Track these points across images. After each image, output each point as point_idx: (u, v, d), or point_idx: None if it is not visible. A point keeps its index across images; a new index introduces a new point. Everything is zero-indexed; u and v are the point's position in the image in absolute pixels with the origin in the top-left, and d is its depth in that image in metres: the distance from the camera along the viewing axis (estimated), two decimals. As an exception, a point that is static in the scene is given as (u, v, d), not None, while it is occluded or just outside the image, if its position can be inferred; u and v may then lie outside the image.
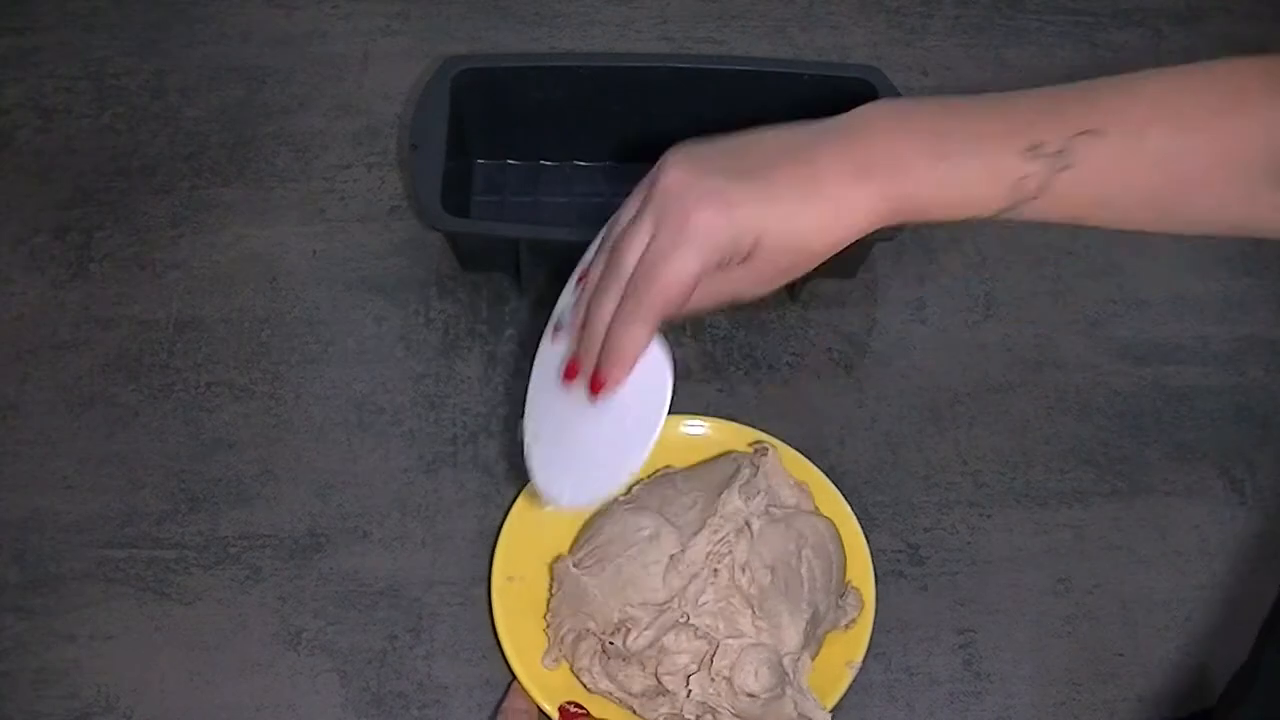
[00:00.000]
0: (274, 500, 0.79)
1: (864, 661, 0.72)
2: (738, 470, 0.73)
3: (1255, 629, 0.76)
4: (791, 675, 0.68)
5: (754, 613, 0.68)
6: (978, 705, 0.74)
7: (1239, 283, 0.91)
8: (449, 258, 0.89)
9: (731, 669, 0.67)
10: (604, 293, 0.59)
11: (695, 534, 0.70)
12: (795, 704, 0.68)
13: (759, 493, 0.72)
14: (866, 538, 0.75)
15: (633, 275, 0.58)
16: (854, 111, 0.59)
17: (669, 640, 0.68)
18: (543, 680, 0.70)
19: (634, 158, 0.92)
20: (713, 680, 0.68)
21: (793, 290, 0.87)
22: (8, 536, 0.78)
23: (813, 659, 0.71)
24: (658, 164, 0.59)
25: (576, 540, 0.74)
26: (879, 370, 0.86)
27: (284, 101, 0.97)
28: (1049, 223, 0.60)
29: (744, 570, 0.69)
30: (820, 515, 0.75)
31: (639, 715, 0.70)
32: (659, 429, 0.58)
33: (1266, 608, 0.77)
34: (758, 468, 0.73)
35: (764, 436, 0.78)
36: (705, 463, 0.77)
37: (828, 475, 0.81)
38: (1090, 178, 0.57)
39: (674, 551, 0.70)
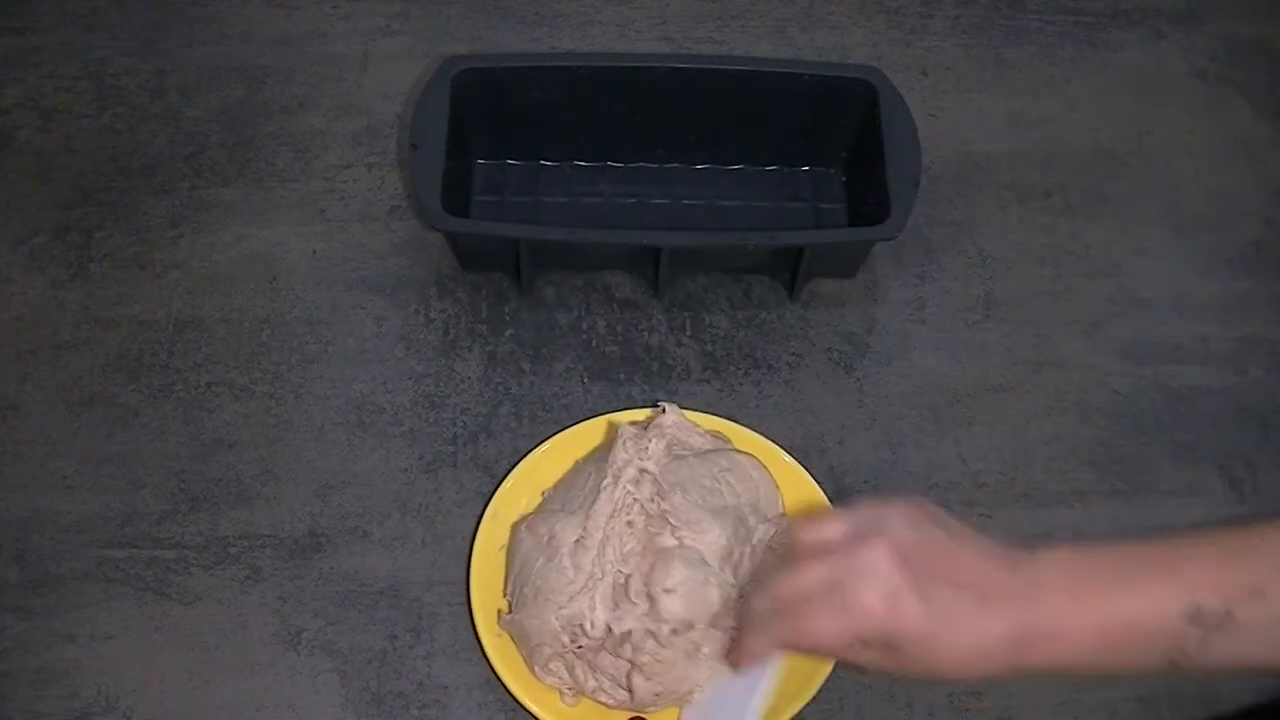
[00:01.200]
0: (274, 500, 0.79)
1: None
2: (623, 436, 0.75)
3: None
4: (716, 568, 0.70)
5: (671, 527, 0.70)
6: (978, 705, 0.74)
7: (1239, 283, 0.91)
8: (449, 258, 0.89)
9: (647, 580, 0.69)
10: (765, 613, 0.61)
11: (592, 501, 0.71)
12: (721, 589, 0.69)
13: (651, 441, 0.73)
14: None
15: (790, 601, 0.60)
16: (1036, 557, 0.59)
17: (620, 603, 0.69)
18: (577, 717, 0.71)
19: (634, 158, 0.93)
20: (634, 603, 0.69)
21: (792, 290, 0.87)
22: (8, 536, 0.78)
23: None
24: (878, 519, 0.60)
25: (505, 585, 0.75)
26: (879, 370, 0.86)
27: (284, 101, 0.97)
28: (1213, 671, 0.58)
29: (653, 500, 0.71)
30: (741, 452, 0.76)
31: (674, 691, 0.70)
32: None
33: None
34: (646, 425, 0.75)
35: (761, 440, 0.78)
36: (607, 441, 0.78)
37: (827, 475, 0.81)
38: (1254, 632, 0.57)
39: (577, 536, 0.71)
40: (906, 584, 0.58)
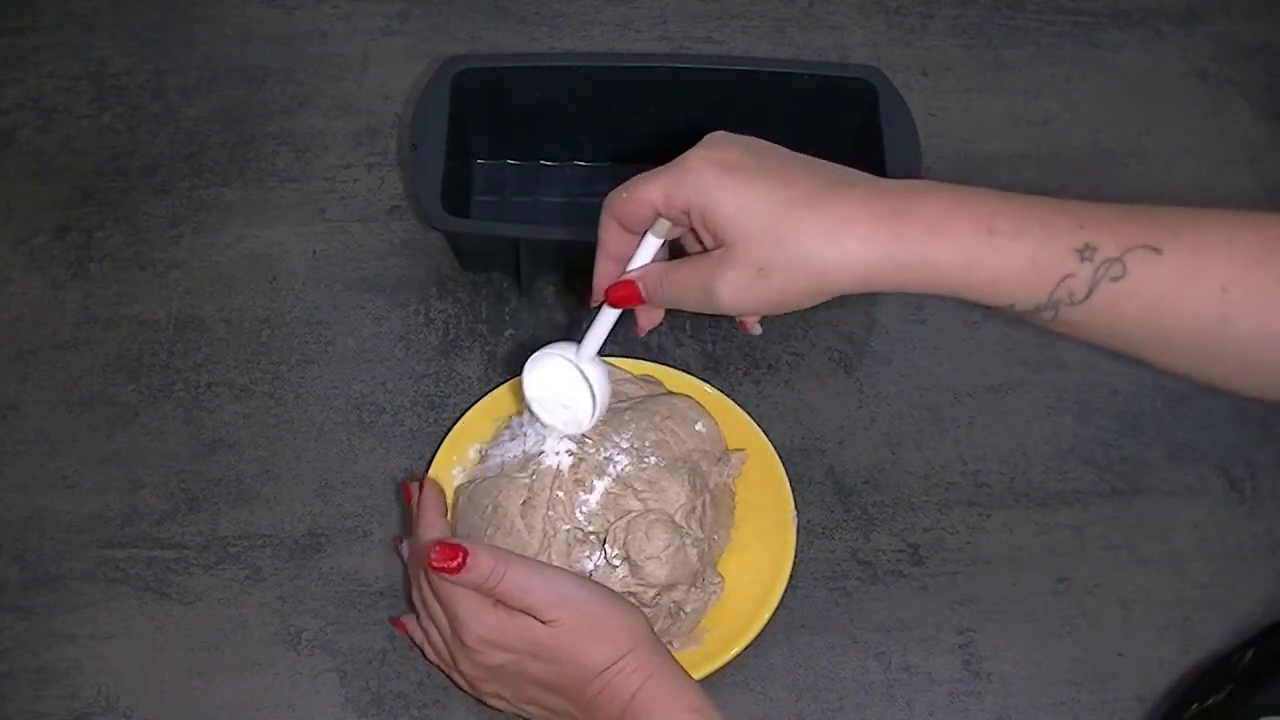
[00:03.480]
0: (274, 500, 0.79)
1: (860, 655, 0.72)
2: None
3: (1255, 629, 0.76)
4: (686, 526, 0.71)
5: (634, 490, 0.71)
6: (977, 705, 0.74)
7: (1239, 283, 0.91)
8: (449, 258, 0.89)
9: (625, 545, 0.69)
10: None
11: (533, 460, 0.72)
12: (698, 553, 0.71)
13: None
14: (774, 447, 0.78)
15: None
16: (912, 180, 0.57)
17: (577, 558, 0.70)
18: None
19: (634, 158, 0.92)
20: (613, 567, 0.70)
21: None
22: (8, 536, 0.78)
23: (725, 529, 0.75)
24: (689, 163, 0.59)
25: None
26: (879, 370, 0.86)
27: (284, 101, 0.97)
28: (1080, 337, 0.57)
29: (607, 461, 0.71)
30: (675, 394, 0.77)
31: None
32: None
33: (1267, 608, 0.77)
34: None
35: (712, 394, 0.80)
36: None
37: (827, 475, 0.81)
38: (1139, 293, 0.54)
39: (523, 499, 0.71)
40: (741, 147, 0.58)
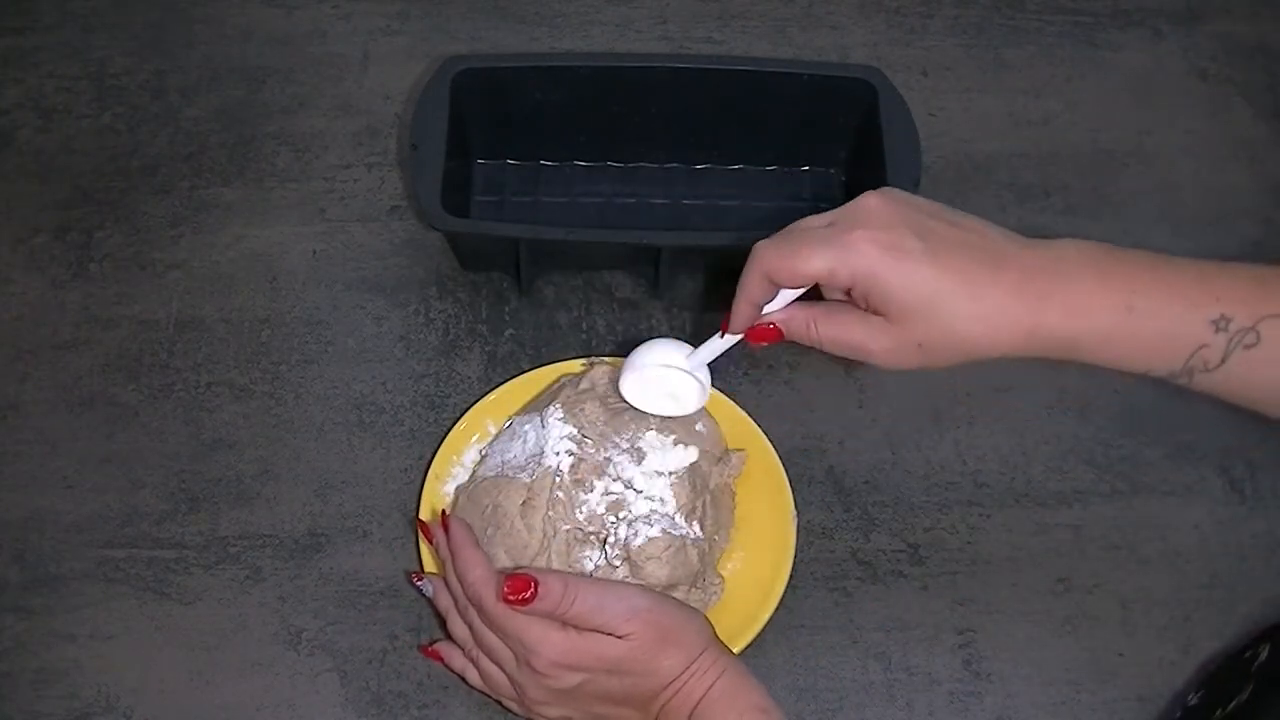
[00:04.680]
0: (274, 500, 0.79)
1: (860, 655, 0.72)
2: (560, 389, 0.76)
3: (1256, 629, 0.76)
4: (686, 527, 0.71)
5: (635, 490, 0.71)
6: (977, 705, 0.74)
7: (1239, 283, 0.91)
8: (449, 258, 0.89)
9: (625, 546, 0.70)
10: (764, 241, 0.62)
11: (533, 461, 0.72)
12: (698, 553, 0.71)
13: (586, 404, 0.74)
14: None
15: (784, 233, 0.62)
16: (1058, 241, 0.59)
17: (577, 558, 0.71)
18: None
19: (634, 158, 0.93)
20: (613, 567, 0.70)
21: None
22: (8, 536, 0.78)
23: (725, 529, 0.75)
24: (871, 191, 0.61)
25: None
26: (879, 370, 0.85)
27: (284, 101, 0.97)
28: (1213, 397, 0.59)
29: (608, 461, 0.72)
30: None
31: None
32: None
33: (1267, 608, 0.77)
34: (579, 379, 0.76)
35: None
36: (537, 396, 0.79)
37: (827, 475, 0.81)
38: (1273, 359, 0.57)
39: (523, 499, 0.71)
40: (906, 225, 0.58)
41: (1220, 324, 0.57)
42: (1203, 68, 1.02)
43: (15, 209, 0.91)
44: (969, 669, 0.75)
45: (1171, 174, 0.96)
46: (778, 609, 0.73)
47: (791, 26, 1.03)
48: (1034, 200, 0.94)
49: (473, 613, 0.68)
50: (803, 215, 0.90)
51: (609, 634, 0.64)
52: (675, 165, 0.93)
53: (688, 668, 0.63)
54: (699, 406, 0.71)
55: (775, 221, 0.91)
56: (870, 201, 0.60)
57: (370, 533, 0.78)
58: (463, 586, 0.68)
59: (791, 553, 0.74)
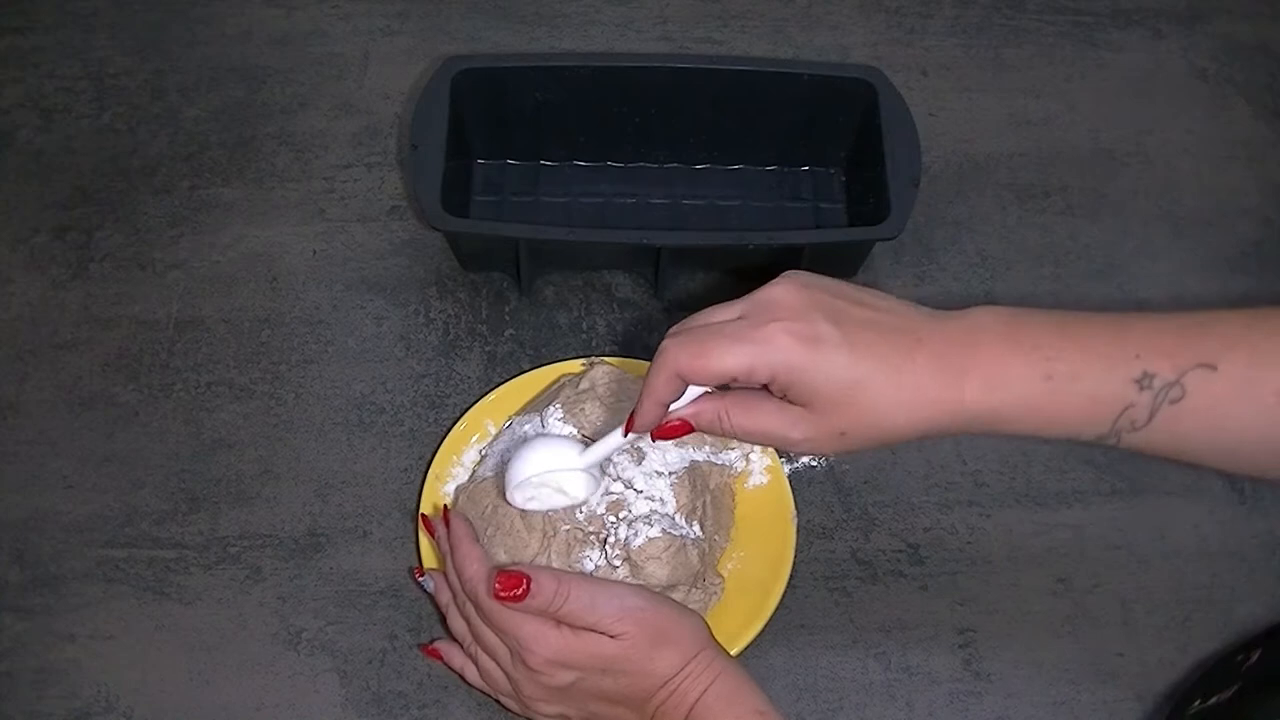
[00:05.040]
0: (274, 500, 0.79)
1: (860, 655, 0.72)
2: (559, 389, 0.76)
3: (1256, 629, 0.76)
4: (687, 527, 0.71)
5: (635, 490, 0.71)
6: (977, 705, 0.74)
7: (1239, 283, 0.91)
8: (449, 258, 0.89)
9: (625, 546, 0.70)
10: (671, 336, 0.60)
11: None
12: (698, 553, 0.71)
13: (586, 405, 0.74)
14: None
15: (693, 329, 0.59)
16: (968, 311, 0.59)
17: (577, 558, 0.71)
18: None
19: (634, 158, 0.93)
20: (613, 567, 0.70)
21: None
22: (8, 536, 0.78)
23: (725, 529, 0.75)
24: (775, 279, 0.60)
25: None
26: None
27: (284, 101, 0.97)
28: (1150, 454, 0.58)
29: (608, 461, 0.72)
30: None
31: None
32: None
33: (1266, 609, 0.77)
34: (579, 379, 0.76)
35: None
36: (537, 396, 0.80)
37: (827, 475, 0.81)
38: (1199, 411, 0.56)
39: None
40: (818, 311, 0.57)
41: (1144, 382, 0.55)
42: (1203, 68, 1.02)
43: (15, 209, 0.91)
44: (969, 669, 0.75)
45: (1171, 174, 0.96)
46: (778, 609, 0.73)
47: (791, 26, 1.03)
48: (1034, 200, 0.94)
49: (470, 608, 0.68)
50: (803, 215, 0.92)
51: (602, 633, 0.64)
52: (675, 165, 0.93)
53: (683, 668, 0.63)
54: (589, 495, 0.70)
55: (775, 221, 0.92)
56: (777, 290, 0.59)
57: (370, 533, 0.78)
58: (460, 582, 0.68)
59: (791, 553, 0.74)
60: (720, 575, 0.74)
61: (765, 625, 0.72)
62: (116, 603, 0.76)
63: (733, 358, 0.57)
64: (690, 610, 0.67)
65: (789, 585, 0.73)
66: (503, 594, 0.64)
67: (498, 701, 0.70)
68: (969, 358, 0.57)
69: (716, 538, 0.74)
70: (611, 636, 0.63)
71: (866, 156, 0.87)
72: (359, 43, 1.00)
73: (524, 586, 0.64)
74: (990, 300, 0.88)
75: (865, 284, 0.88)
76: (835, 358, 0.56)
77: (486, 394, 0.80)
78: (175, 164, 0.94)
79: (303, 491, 0.80)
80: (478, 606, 0.67)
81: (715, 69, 0.89)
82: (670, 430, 0.62)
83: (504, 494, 0.71)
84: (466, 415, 0.79)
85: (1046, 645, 0.76)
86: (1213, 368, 0.55)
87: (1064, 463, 0.82)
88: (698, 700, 0.62)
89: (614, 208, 0.92)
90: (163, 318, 0.86)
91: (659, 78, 0.88)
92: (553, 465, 0.69)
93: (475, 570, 0.67)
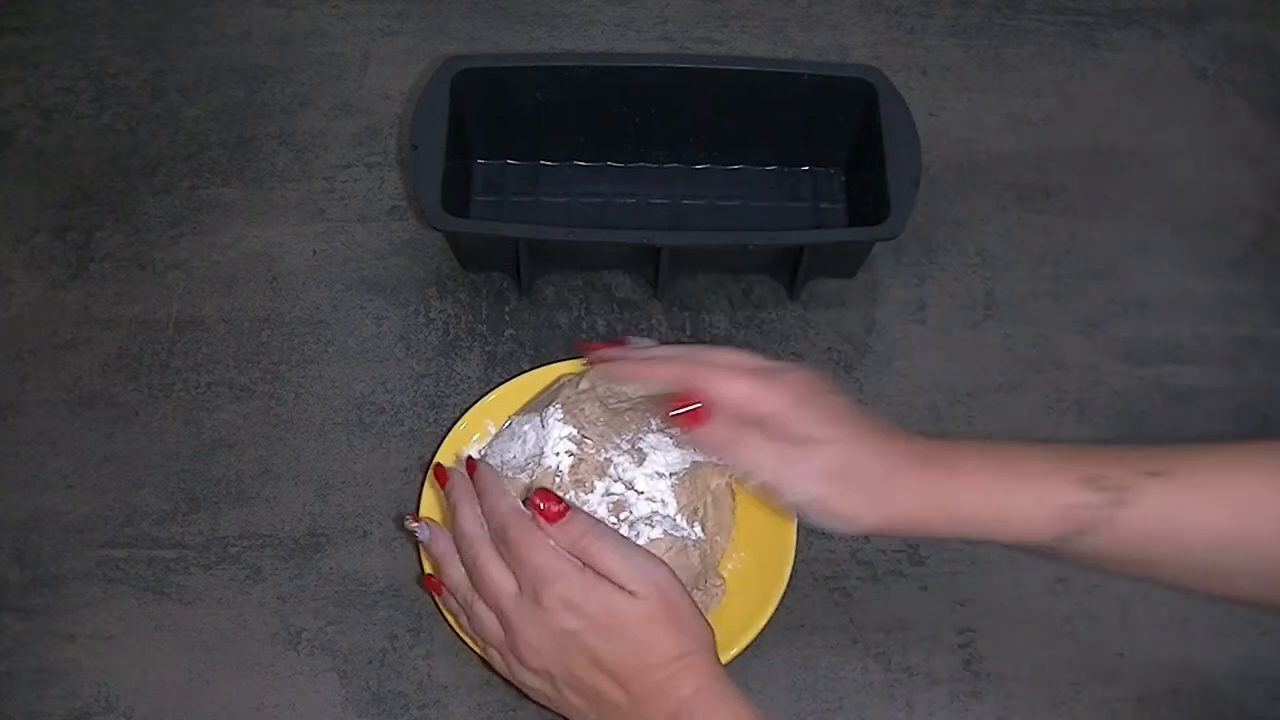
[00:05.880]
0: (274, 500, 0.79)
1: (860, 655, 0.72)
2: (559, 390, 0.76)
3: (1255, 629, 0.76)
4: (688, 528, 0.71)
5: (636, 491, 0.71)
6: (978, 705, 0.74)
7: (1239, 283, 0.91)
8: (449, 258, 0.89)
9: None
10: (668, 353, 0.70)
11: (533, 461, 0.72)
12: (699, 554, 0.71)
13: (586, 405, 0.74)
14: None
15: (700, 357, 0.68)
16: (944, 441, 0.66)
17: None
18: None
19: (634, 158, 0.93)
20: None
21: (792, 290, 0.87)
22: (8, 536, 0.78)
23: (726, 530, 0.75)
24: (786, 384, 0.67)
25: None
26: (879, 370, 0.86)
27: (284, 101, 0.97)
28: (1105, 566, 0.62)
29: (608, 462, 0.72)
30: (675, 394, 0.77)
31: None
32: None
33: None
34: (579, 379, 0.75)
35: None
36: (537, 396, 0.79)
37: (828, 475, 0.81)
38: (1151, 517, 0.58)
39: (522, 499, 0.70)
40: (813, 417, 0.65)
41: (1094, 483, 0.60)
42: (1203, 68, 1.02)
43: (15, 209, 0.91)
44: (969, 669, 0.75)
45: (1171, 174, 0.96)
46: (778, 609, 0.73)
47: (791, 26, 1.03)
48: (1034, 200, 0.94)
49: (476, 550, 0.66)
50: (803, 215, 0.92)
51: (621, 586, 0.63)
52: (675, 165, 0.93)
53: (682, 656, 0.62)
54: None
55: (775, 222, 0.92)
56: (794, 379, 0.67)
57: (370, 533, 0.78)
58: (490, 519, 0.67)
59: (792, 553, 0.74)
60: (721, 577, 0.74)
61: (765, 625, 0.72)
62: (116, 603, 0.76)
63: (739, 389, 0.66)
64: (698, 610, 0.66)
65: (789, 585, 0.73)
66: (542, 508, 0.64)
67: (486, 659, 0.69)
68: (936, 453, 0.64)
69: (718, 538, 0.74)
70: (629, 593, 0.63)
71: (866, 156, 0.87)
72: (359, 43, 1.00)
73: (563, 507, 0.64)
74: (990, 300, 0.88)
75: (865, 284, 0.89)
76: (852, 501, 0.64)
77: (486, 394, 0.80)
78: (175, 164, 0.94)
79: (303, 491, 0.80)
80: (504, 539, 0.65)
81: (715, 69, 0.89)
82: (691, 416, 0.66)
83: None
84: (466, 415, 0.79)
85: (1046, 645, 0.76)
86: (1163, 474, 0.59)
87: (1064, 463, 0.82)
88: (693, 693, 0.61)
89: (614, 208, 0.92)
90: (163, 318, 0.86)
91: (659, 78, 0.88)
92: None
93: (508, 504, 0.66)
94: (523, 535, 0.64)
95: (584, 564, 0.63)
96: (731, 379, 0.65)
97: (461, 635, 0.71)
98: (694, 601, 0.65)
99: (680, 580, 0.66)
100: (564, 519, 0.64)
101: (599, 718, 0.64)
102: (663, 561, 0.66)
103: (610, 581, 0.63)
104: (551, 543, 0.64)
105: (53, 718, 0.72)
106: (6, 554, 0.77)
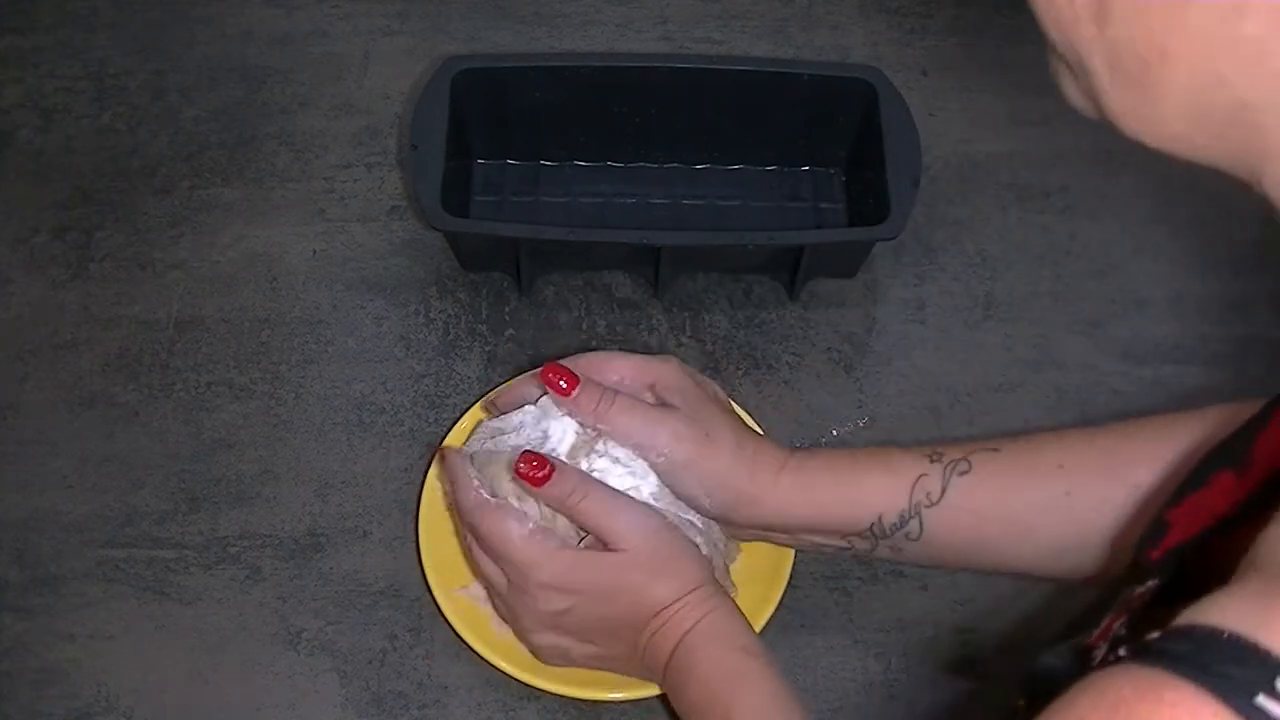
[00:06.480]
0: (274, 500, 0.79)
1: (860, 655, 0.72)
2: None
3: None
4: (706, 530, 0.70)
5: (615, 461, 0.70)
6: (978, 705, 0.74)
7: (1239, 283, 0.91)
8: (449, 258, 0.89)
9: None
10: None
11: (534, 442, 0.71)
12: (721, 559, 0.71)
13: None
14: None
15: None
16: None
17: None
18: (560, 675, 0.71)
19: (634, 158, 0.93)
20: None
21: (792, 290, 0.87)
22: (8, 536, 0.78)
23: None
24: (667, 359, 0.71)
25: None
26: (879, 370, 0.86)
27: (284, 101, 0.97)
28: (947, 552, 0.68)
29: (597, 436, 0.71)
30: None
31: None
32: None
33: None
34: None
35: None
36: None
37: (828, 475, 0.81)
38: (985, 481, 0.65)
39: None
40: (681, 408, 0.69)
41: (934, 456, 0.66)
42: (1203, 68, 1.01)
43: (15, 209, 0.91)
44: (969, 669, 0.75)
45: (1171, 174, 0.95)
46: (778, 609, 0.73)
47: (791, 26, 1.03)
48: (1034, 200, 0.94)
49: (467, 544, 0.69)
50: (803, 215, 0.92)
51: (608, 544, 0.64)
52: (675, 165, 0.93)
53: (679, 598, 0.63)
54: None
55: (775, 222, 0.92)
56: (670, 370, 0.70)
57: (370, 533, 0.78)
58: (460, 516, 0.68)
59: (792, 553, 0.74)
60: (732, 581, 0.73)
61: (765, 625, 0.72)
62: (116, 603, 0.76)
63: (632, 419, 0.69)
64: (694, 545, 0.67)
65: (789, 585, 0.73)
66: (524, 472, 0.64)
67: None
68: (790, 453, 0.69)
69: (731, 543, 0.73)
70: (616, 551, 0.63)
71: (866, 156, 0.87)
72: (359, 43, 1.00)
73: (547, 470, 0.64)
74: (990, 300, 0.88)
75: (865, 284, 0.89)
76: (719, 458, 0.68)
77: (486, 394, 0.80)
78: (175, 164, 0.94)
79: (303, 491, 0.80)
80: (476, 534, 0.66)
81: (715, 69, 0.89)
82: (563, 380, 0.68)
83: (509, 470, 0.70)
84: (466, 415, 0.79)
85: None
86: (995, 449, 0.66)
87: (1064, 463, 0.82)
88: (689, 631, 0.62)
89: (614, 208, 0.92)
90: (163, 318, 0.86)
91: (659, 78, 0.88)
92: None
93: (471, 498, 0.66)
94: (492, 529, 0.65)
95: (574, 520, 0.65)
96: (614, 358, 0.70)
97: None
98: (683, 537, 0.66)
99: (668, 521, 0.66)
100: (550, 480, 0.64)
101: (611, 669, 0.67)
102: (653, 510, 0.66)
103: (595, 547, 0.64)
104: (522, 530, 0.64)
105: (53, 718, 0.72)
106: (6, 554, 0.77)
